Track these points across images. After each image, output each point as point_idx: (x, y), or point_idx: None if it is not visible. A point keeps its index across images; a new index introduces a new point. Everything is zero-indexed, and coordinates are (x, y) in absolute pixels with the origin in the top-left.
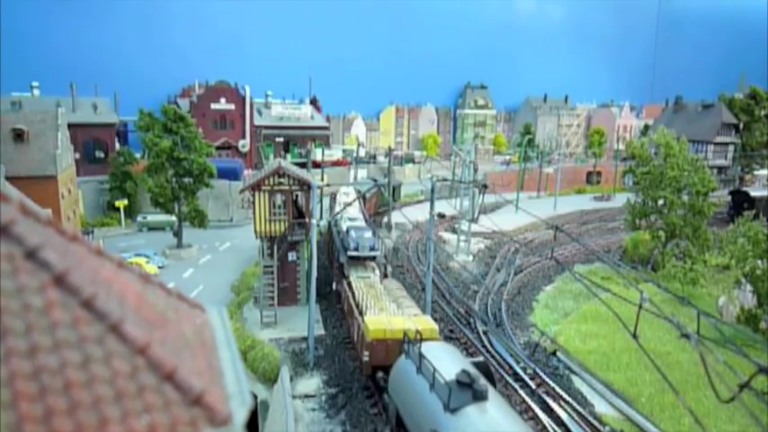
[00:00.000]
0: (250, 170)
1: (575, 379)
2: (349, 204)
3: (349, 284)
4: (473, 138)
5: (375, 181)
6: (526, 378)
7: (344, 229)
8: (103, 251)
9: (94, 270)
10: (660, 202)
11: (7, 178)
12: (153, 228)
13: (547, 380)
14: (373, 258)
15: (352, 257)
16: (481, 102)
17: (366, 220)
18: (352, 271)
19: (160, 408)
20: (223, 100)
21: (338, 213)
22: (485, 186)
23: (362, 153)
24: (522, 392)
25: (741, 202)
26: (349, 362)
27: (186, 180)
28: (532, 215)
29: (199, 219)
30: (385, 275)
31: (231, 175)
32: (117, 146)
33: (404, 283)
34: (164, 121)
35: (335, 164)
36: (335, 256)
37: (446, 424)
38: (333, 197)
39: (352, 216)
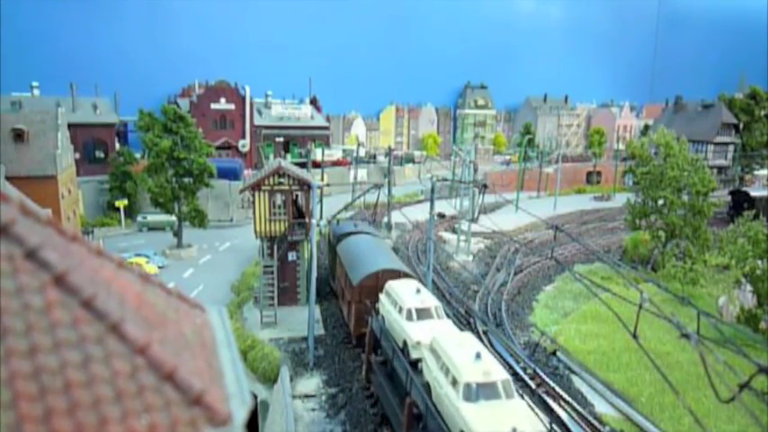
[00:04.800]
0: (250, 170)
1: (575, 379)
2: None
3: None
4: (473, 138)
5: (355, 226)
6: (526, 378)
7: None
8: (103, 251)
9: (94, 270)
10: (660, 202)
11: (7, 178)
12: (153, 228)
13: (547, 380)
14: None
15: None
16: (481, 102)
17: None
18: None
19: (160, 408)
20: (223, 100)
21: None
22: (485, 186)
23: (362, 153)
24: (521, 392)
25: (741, 202)
26: (349, 362)
27: (186, 180)
28: (532, 215)
29: (199, 219)
30: None
31: (231, 175)
32: (117, 146)
33: None
34: (164, 121)
35: (335, 164)
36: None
37: None
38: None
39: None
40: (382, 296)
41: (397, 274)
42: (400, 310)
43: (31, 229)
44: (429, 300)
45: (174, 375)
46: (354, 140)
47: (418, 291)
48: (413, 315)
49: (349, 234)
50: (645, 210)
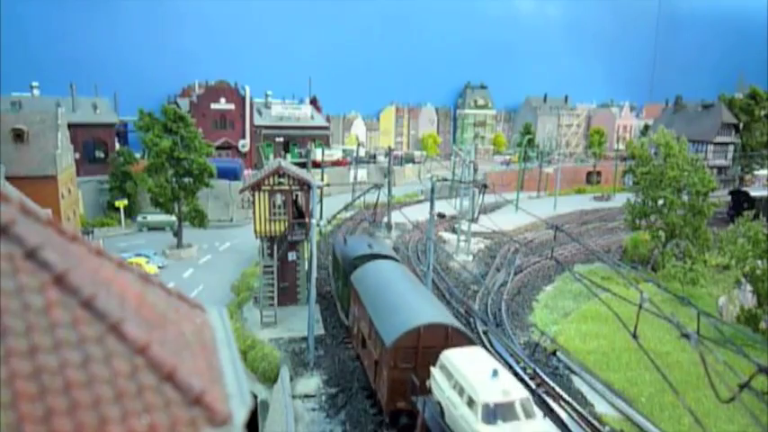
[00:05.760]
0: (250, 170)
1: (575, 379)
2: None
3: None
4: (473, 138)
5: (370, 246)
6: (526, 378)
7: None
8: (103, 251)
9: (94, 270)
10: (660, 202)
11: (7, 178)
12: (153, 228)
13: (547, 380)
14: None
15: None
16: (481, 102)
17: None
18: None
19: (160, 408)
20: (223, 100)
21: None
22: (485, 186)
23: (362, 153)
24: None
25: (741, 202)
26: (349, 362)
27: (186, 180)
28: (532, 215)
29: (199, 219)
30: None
31: (231, 175)
32: (117, 146)
33: None
34: (164, 121)
35: (335, 164)
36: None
37: None
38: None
39: None
40: (436, 372)
41: (444, 331)
42: (470, 404)
43: (31, 229)
44: (513, 388)
45: (174, 375)
46: (354, 140)
47: (495, 373)
48: (491, 414)
49: (365, 258)
50: (645, 210)
